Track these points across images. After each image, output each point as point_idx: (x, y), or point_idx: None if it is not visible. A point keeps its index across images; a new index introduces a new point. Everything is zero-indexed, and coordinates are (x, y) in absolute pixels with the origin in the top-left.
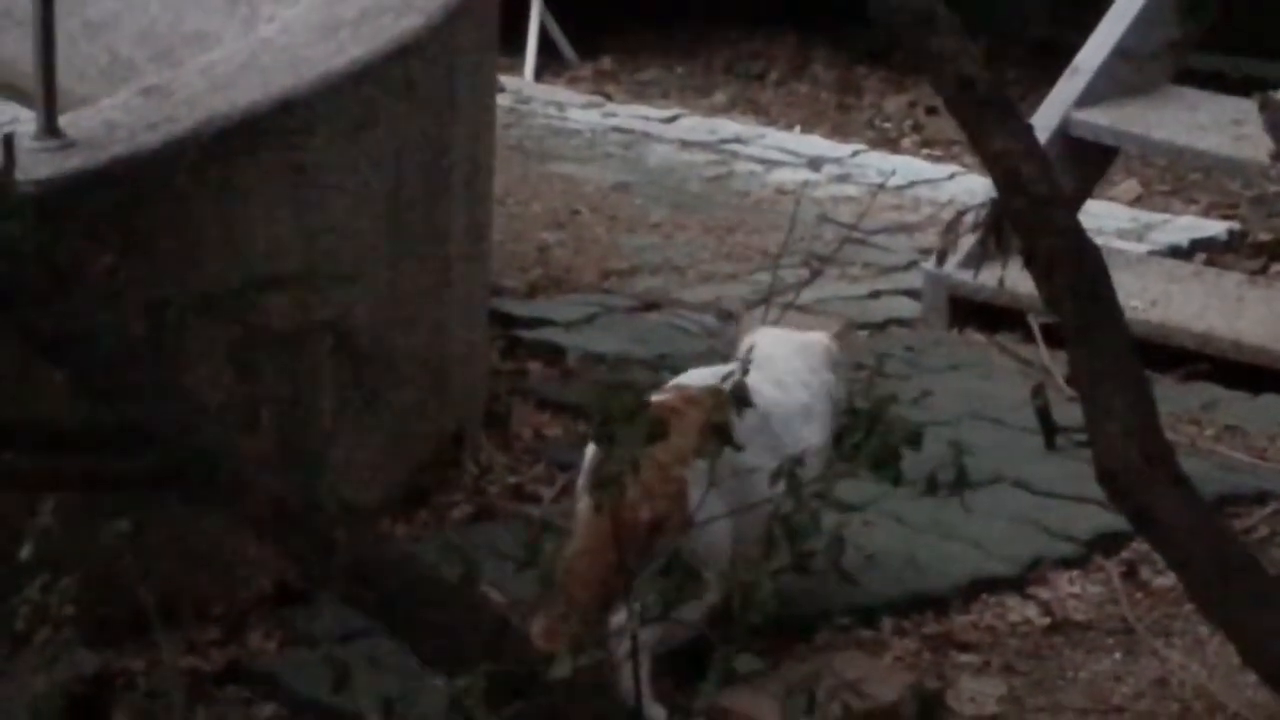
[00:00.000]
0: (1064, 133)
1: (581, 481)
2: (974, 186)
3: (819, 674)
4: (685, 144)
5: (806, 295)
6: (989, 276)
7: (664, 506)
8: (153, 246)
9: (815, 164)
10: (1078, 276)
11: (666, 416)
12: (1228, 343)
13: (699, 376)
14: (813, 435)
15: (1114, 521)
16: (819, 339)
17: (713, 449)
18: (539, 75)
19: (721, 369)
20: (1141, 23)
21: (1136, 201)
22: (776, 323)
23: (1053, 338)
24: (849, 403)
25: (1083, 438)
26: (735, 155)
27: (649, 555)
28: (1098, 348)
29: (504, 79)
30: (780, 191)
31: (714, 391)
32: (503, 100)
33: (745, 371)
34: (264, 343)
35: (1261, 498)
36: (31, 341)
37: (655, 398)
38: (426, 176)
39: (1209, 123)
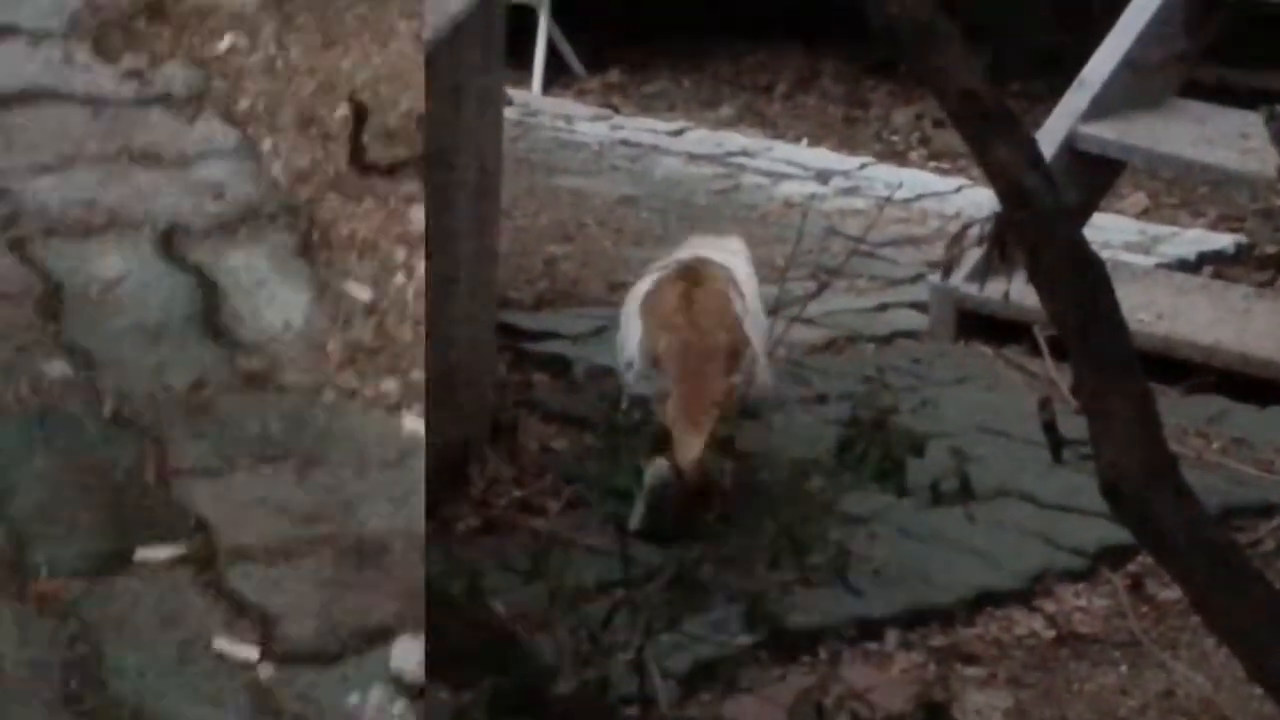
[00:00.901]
0: (1071, 146)
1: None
2: (981, 199)
3: (826, 685)
4: (692, 157)
5: (813, 308)
6: (994, 289)
7: (731, 337)
8: None
9: (822, 177)
10: (1081, 289)
11: (698, 269)
12: (1235, 355)
13: (701, 245)
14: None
15: (1120, 534)
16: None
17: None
18: (546, 88)
19: (716, 239)
20: (1149, 35)
21: (1144, 214)
22: (783, 334)
23: (1059, 350)
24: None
25: (1088, 451)
26: (742, 168)
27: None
28: (1101, 360)
29: (511, 92)
30: (787, 204)
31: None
32: (510, 113)
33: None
34: None
35: (1268, 511)
36: None
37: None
38: (433, 189)
39: (1216, 136)
